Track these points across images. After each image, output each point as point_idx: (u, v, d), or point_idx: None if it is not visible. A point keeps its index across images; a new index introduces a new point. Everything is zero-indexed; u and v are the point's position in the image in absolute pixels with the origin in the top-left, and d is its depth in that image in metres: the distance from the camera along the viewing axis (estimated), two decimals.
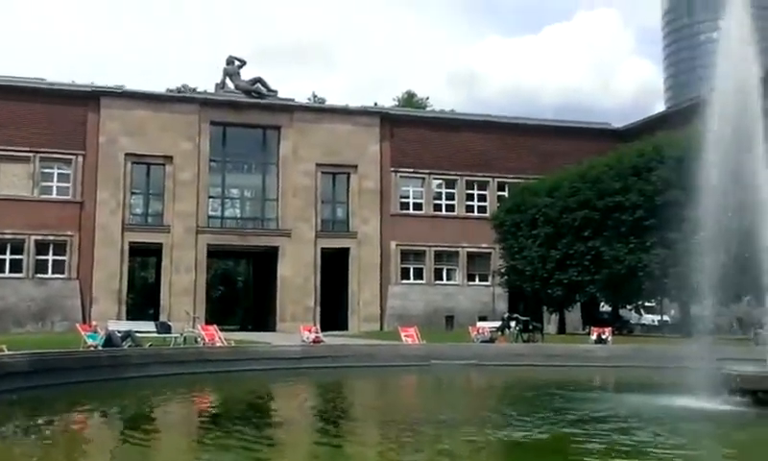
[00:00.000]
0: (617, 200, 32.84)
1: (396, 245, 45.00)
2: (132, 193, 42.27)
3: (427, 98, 76.69)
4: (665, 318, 39.38)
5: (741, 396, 10.96)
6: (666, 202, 27.46)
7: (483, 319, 37.57)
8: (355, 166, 44.71)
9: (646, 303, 36.43)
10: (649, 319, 42.51)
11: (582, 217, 34.72)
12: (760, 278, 11.63)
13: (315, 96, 69.43)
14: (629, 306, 36.75)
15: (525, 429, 9.30)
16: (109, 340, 18.44)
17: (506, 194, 45.89)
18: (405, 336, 23.67)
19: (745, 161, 12.05)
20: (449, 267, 46.30)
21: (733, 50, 12.89)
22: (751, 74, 12.61)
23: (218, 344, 20.68)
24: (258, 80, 45.19)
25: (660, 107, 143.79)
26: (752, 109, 12.42)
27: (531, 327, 25.39)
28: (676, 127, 31.19)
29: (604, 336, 23.59)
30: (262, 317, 46.07)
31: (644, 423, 9.63)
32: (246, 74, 45.29)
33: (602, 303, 39.72)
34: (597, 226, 34.03)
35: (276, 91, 45.25)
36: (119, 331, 19.82)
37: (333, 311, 43.25)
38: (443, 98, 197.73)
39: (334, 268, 44.08)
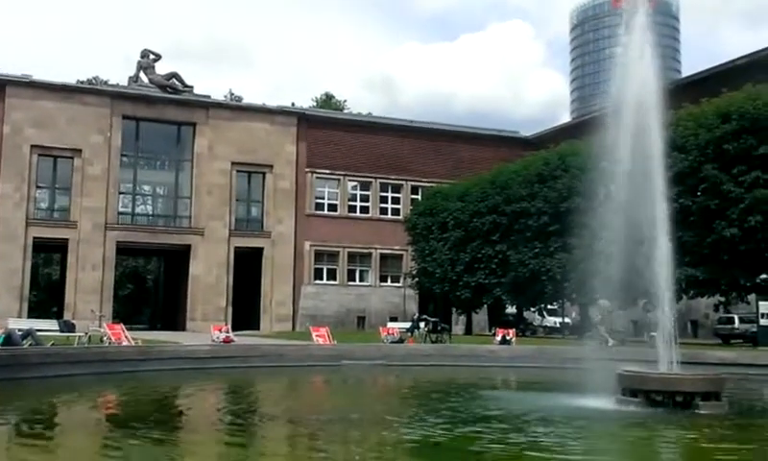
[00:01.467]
0: (524, 206, 33.67)
1: (311, 245, 44.81)
2: (38, 187, 40.55)
3: (345, 101, 76.87)
4: (566, 320, 40.61)
5: (633, 395, 11.32)
6: (569, 208, 28.36)
7: (394, 320, 37.89)
8: (271, 166, 44.27)
9: (549, 306, 37.44)
10: (551, 321, 43.74)
11: (490, 222, 35.47)
12: (654, 284, 12.04)
13: (232, 94, 68.40)
14: (533, 309, 37.70)
15: (425, 428, 9.36)
16: (9, 339, 17.54)
17: (419, 197, 46.38)
18: (317, 336, 23.54)
19: (645, 172, 12.42)
20: (362, 268, 46.42)
21: (634, 65, 13.26)
22: (650, 88, 12.98)
23: (124, 343, 20.02)
24: (174, 75, 44.12)
25: (566, 117, 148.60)
26: (652, 123, 12.78)
27: (439, 328, 25.68)
28: (580, 137, 32.16)
29: (508, 337, 24.10)
30: (172, 316, 45.01)
31: (539, 421, 9.83)
32: (161, 68, 44.23)
33: (507, 305, 40.60)
34: (505, 230, 34.82)
35: (191, 87, 44.29)
36: (19, 330, 18.90)
37: (245, 311, 42.69)
38: (361, 101, 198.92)
39: (247, 267, 43.51)
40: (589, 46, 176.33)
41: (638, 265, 12.31)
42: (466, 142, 49.31)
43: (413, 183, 47.99)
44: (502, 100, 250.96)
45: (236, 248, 43.01)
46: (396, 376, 18.35)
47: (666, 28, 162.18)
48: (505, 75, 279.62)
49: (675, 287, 23.57)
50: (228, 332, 24.98)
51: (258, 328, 40.92)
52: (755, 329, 28.18)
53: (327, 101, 73.20)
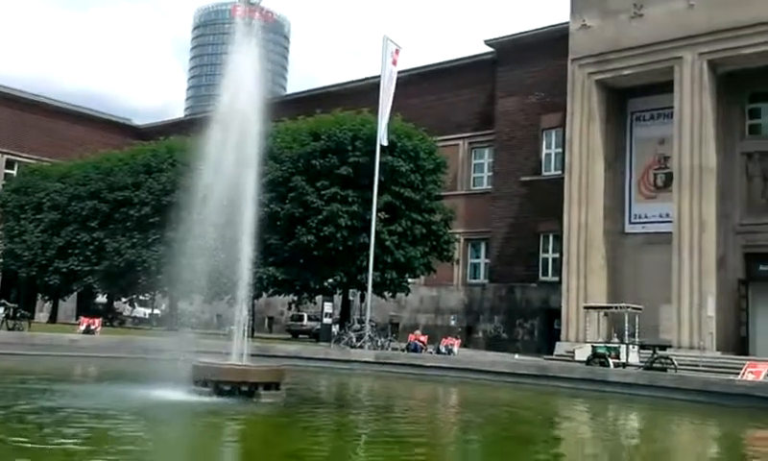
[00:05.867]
0: (127, 195, 32.43)
1: None
2: None
3: None
4: (156, 311, 39.89)
5: (204, 386, 11.45)
6: (171, 202, 27.98)
7: None
8: None
9: (140, 297, 36.48)
10: (141, 312, 42.63)
11: (90, 207, 33.44)
12: (237, 281, 12.38)
13: None
14: (124, 299, 36.39)
15: None
16: None
17: (15, 173, 41.79)
18: None
19: (240, 176, 12.65)
20: None
21: (241, 74, 13.41)
22: (254, 99, 13.23)
23: None
24: None
25: (181, 112, 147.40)
26: (251, 132, 13.07)
27: (18, 314, 23.26)
28: (190, 134, 32.06)
29: (93, 327, 22.83)
30: None
31: (107, 414, 9.34)
32: None
33: (99, 294, 38.59)
34: (105, 218, 33.14)
35: None
36: None
37: None
38: None
39: None
40: (209, 48, 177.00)
41: (226, 263, 12.54)
42: (73, 121, 45.78)
43: (8, 157, 43.07)
44: (120, 85, 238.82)
45: None
46: None
47: (277, 46, 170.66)
48: (126, 59, 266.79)
49: (257, 285, 24.72)
50: None
51: None
52: (319, 327, 30.67)
53: None
